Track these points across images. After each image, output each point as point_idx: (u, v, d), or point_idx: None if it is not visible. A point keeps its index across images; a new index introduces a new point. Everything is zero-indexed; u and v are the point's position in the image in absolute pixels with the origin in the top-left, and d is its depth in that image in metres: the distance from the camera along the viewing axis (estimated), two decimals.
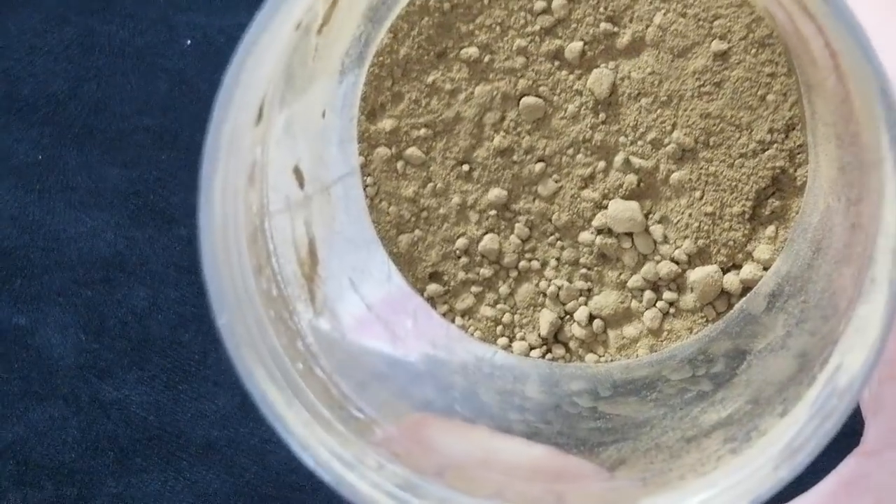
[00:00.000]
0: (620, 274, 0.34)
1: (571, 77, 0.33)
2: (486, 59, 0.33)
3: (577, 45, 0.33)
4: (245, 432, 0.45)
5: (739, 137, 0.33)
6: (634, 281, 0.34)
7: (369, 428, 0.27)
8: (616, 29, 0.33)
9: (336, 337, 0.30)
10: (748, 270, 0.34)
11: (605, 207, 0.34)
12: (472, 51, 0.33)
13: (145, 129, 0.46)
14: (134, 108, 0.46)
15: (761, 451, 0.25)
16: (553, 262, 0.34)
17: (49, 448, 0.46)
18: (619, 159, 0.33)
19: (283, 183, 0.29)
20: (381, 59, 0.33)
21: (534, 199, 0.34)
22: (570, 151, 0.34)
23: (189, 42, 0.46)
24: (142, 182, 0.46)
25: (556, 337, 0.35)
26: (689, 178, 0.33)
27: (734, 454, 0.26)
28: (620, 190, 0.34)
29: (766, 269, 0.34)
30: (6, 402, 0.46)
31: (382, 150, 0.34)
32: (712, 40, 0.33)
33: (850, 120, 0.26)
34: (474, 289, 0.35)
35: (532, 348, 0.35)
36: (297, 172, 0.30)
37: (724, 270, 0.34)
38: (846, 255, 0.27)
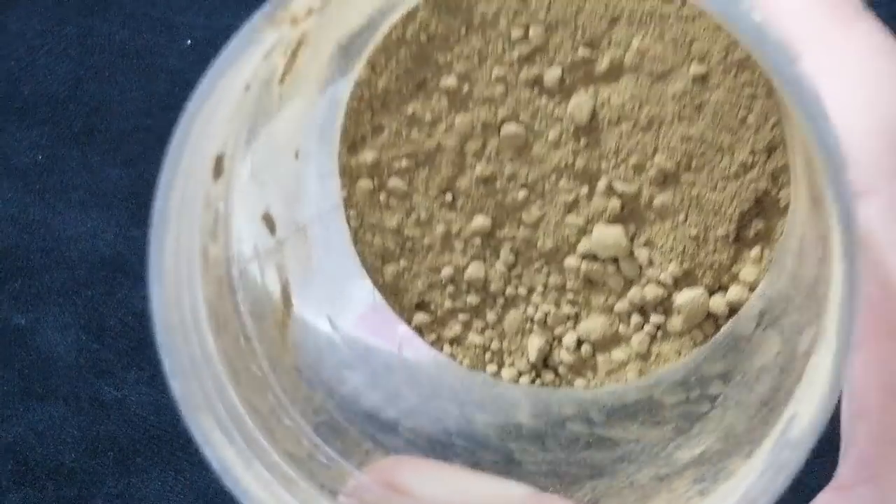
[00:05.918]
0: (607, 298, 0.34)
1: (551, 104, 0.33)
2: (465, 88, 0.33)
3: (555, 72, 0.33)
4: None
5: (721, 160, 0.33)
6: (621, 305, 0.34)
7: (340, 477, 0.27)
8: (594, 54, 0.33)
9: (312, 379, 0.30)
10: (734, 292, 0.33)
11: (590, 233, 0.34)
12: (450, 81, 0.33)
13: (145, 129, 0.46)
14: (134, 108, 0.45)
15: (722, 498, 0.25)
16: (539, 288, 0.34)
17: (49, 448, 0.46)
18: (601, 185, 0.33)
19: (251, 232, 0.29)
20: (359, 92, 0.33)
21: (518, 226, 0.34)
22: (553, 178, 0.34)
23: (189, 42, 0.46)
24: (142, 182, 0.45)
25: (544, 363, 0.35)
26: (673, 202, 0.33)
27: (702, 496, 0.26)
28: (604, 215, 0.33)
29: (752, 290, 0.33)
30: (6, 402, 0.46)
31: (364, 183, 0.34)
32: (691, 63, 0.32)
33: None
34: (462, 317, 0.35)
35: (521, 374, 0.35)
36: (267, 218, 0.30)
37: (711, 293, 0.34)
38: (813, 291, 0.27)
